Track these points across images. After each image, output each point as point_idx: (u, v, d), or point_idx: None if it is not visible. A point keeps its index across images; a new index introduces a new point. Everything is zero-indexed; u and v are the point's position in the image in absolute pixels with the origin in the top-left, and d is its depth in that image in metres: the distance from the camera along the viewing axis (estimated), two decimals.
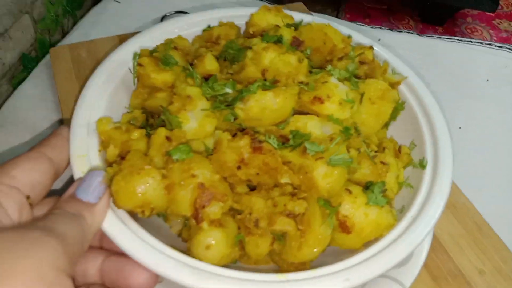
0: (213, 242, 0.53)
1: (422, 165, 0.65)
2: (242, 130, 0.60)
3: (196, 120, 0.60)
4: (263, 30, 0.75)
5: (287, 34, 0.70)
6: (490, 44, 1.23)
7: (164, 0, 1.22)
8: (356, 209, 0.56)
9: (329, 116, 0.60)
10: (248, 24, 0.78)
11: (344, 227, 0.56)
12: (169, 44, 0.74)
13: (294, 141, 0.58)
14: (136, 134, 0.61)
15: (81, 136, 0.62)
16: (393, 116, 0.72)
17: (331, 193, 0.56)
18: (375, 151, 0.66)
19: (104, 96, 0.68)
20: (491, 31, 1.51)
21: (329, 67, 0.66)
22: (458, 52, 1.19)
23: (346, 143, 0.60)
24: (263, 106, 0.58)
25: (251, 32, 0.76)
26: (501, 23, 1.54)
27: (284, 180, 0.56)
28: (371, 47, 0.71)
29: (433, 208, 0.59)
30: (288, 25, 0.73)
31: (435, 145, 0.66)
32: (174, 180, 0.54)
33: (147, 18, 1.16)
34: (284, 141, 0.59)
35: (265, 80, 0.63)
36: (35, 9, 1.06)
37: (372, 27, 1.23)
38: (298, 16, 0.80)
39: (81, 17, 1.23)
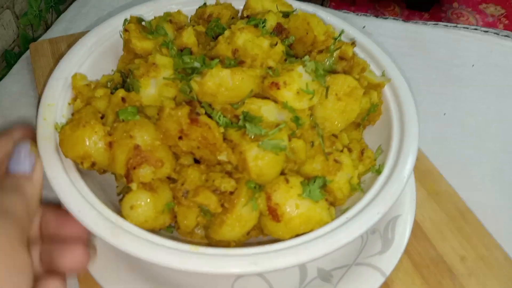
0: (138, 203, 0.55)
1: (378, 170, 0.63)
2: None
3: (155, 87, 0.62)
4: (257, 14, 0.75)
5: (271, 20, 0.70)
6: (475, 29, 1.20)
7: None
8: (288, 199, 0.55)
9: (284, 103, 0.59)
10: (244, 7, 0.78)
11: (274, 214, 0.55)
12: (165, 16, 0.77)
13: (242, 122, 0.58)
14: (100, 92, 0.64)
15: (55, 87, 0.66)
16: (368, 118, 0.70)
17: (262, 177, 0.55)
18: (341, 150, 0.64)
19: (90, 56, 0.72)
20: (477, 15, 1.50)
21: (305, 57, 0.65)
22: (444, 38, 1.17)
23: (295, 132, 0.59)
24: (218, 82, 0.59)
25: (245, 15, 0.77)
26: (487, 7, 1.53)
27: (221, 157, 0.56)
28: (352, 43, 0.69)
29: (370, 214, 0.56)
30: (280, 12, 0.73)
31: (398, 152, 0.64)
32: (115, 138, 0.57)
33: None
34: (234, 121, 0.59)
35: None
36: (17, 4, 1.05)
37: (357, 14, 1.20)
38: (295, 4, 0.79)
39: (64, 11, 1.22)
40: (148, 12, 0.79)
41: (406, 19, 1.26)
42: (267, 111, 0.58)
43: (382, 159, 0.66)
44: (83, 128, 0.57)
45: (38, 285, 0.50)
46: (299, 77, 0.60)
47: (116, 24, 0.76)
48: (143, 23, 0.73)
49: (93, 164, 0.58)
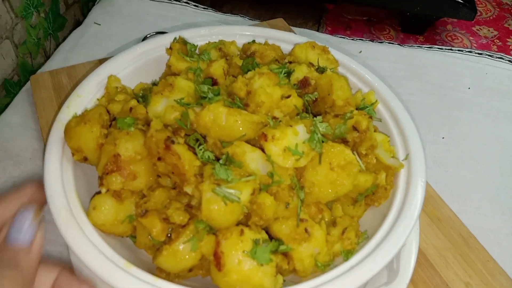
0: (101, 205, 0.58)
1: (346, 256, 0.60)
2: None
3: (164, 105, 0.65)
4: (303, 61, 0.75)
5: (299, 72, 0.69)
6: (470, 52, 1.22)
7: (144, 20, 1.23)
8: (234, 251, 0.53)
9: (267, 156, 0.58)
10: (289, 52, 0.78)
11: (217, 261, 0.53)
12: (217, 44, 0.80)
13: (223, 161, 0.58)
14: (120, 97, 0.70)
15: (90, 83, 0.73)
16: (372, 197, 0.66)
17: (213, 222, 0.54)
18: (319, 222, 0.61)
19: (134, 64, 0.79)
20: (471, 38, 1.47)
21: (318, 118, 0.64)
22: (439, 61, 1.19)
23: (269, 187, 0.58)
24: (212, 118, 0.60)
25: (287, 61, 0.76)
26: (481, 29, 1.52)
27: (187, 189, 0.57)
28: (370, 116, 0.66)
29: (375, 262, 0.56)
30: (318, 68, 0.73)
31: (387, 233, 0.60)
32: (105, 142, 0.61)
33: (128, 40, 1.15)
34: (217, 158, 0.60)
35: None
36: (16, 34, 1.04)
37: (353, 39, 1.22)
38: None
39: (64, 38, 1.21)
40: (204, 36, 0.84)
41: (402, 42, 1.31)
42: (251, 159, 0.58)
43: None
44: (83, 125, 0.62)
45: None
46: (294, 135, 0.58)
47: (168, 40, 0.80)
48: (188, 45, 0.78)
49: (85, 159, 0.63)
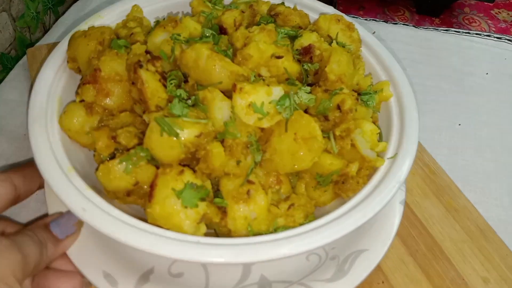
0: (70, 111, 0.62)
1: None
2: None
3: (162, 38, 0.66)
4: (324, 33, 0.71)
5: (305, 38, 0.66)
6: (488, 36, 1.17)
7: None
8: (165, 187, 0.53)
9: (232, 107, 0.56)
10: (314, 21, 0.75)
11: (150, 193, 0.54)
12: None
13: (191, 102, 0.58)
14: (132, 24, 0.71)
15: (117, 9, 0.76)
16: (339, 187, 0.61)
17: (153, 151, 0.55)
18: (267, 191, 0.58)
19: (161, 2, 0.81)
20: (489, 21, 1.34)
21: (305, 87, 0.60)
22: (455, 45, 1.14)
23: (223, 138, 0.57)
24: (194, 57, 0.60)
25: (308, 29, 0.72)
26: (500, 13, 1.39)
27: (145, 117, 0.57)
28: (356, 98, 0.61)
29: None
30: (329, 38, 0.69)
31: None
32: (95, 57, 0.64)
33: None
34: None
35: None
36: (13, 6, 0.99)
37: (366, 20, 1.16)
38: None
39: (63, 13, 1.16)
40: None
41: (417, 24, 1.21)
42: (218, 107, 0.56)
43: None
44: (83, 38, 0.66)
45: None
46: (266, 94, 0.56)
47: None
48: None
49: (78, 69, 0.67)
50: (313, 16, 0.78)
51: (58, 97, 0.64)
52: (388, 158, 0.61)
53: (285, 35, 0.64)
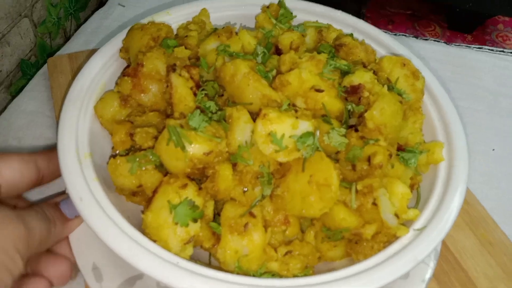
0: (107, 99, 0.63)
1: None
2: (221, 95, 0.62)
3: (213, 46, 0.66)
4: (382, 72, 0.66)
5: (357, 76, 0.60)
6: None
7: (172, 3, 0.99)
8: (164, 197, 0.52)
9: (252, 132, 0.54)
10: (377, 61, 0.69)
11: (150, 198, 0.54)
12: (322, 25, 0.75)
13: (217, 116, 0.57)
14: (193, 26, 0.71)
15: (186, 9, 0.77)
16: (350, 246, 0.56)
17: (161, 157, 0.55)
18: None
19: (227, 11, 0.80)
20: None
21: (339, 129, 0.56)
22: (489, 63, 1.07)
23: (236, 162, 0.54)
24: (232, 72, 0.58)
25: (370, 67, 0.67)
26: None
27: (166, 121, 0.55)
28: (389, 155, 0.54)
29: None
30: (388, 87, 0.62)
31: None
32: (143, 51, 0.64)
33: None
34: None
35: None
36: (35, 12, 0.95)
37: (395, 35, 1.10)
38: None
39: (85, 19, 1.11)
40: (313, 13, 0.79)
41: (448, 41, 1.16)
42: (241, 128, 0.53)
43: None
44: (139, 31, 0.67)
45: (24, 283, 0.54)
46: (291, 127, 0.52)
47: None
48: (282, 10, 0.75)
49: (129, 59, 0.68)
50: (385, 54, 0.72)
51: (102, 83, 0.66)
52: (414, 229, 0.54)
53: (334, 69, 0.59)
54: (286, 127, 0.52)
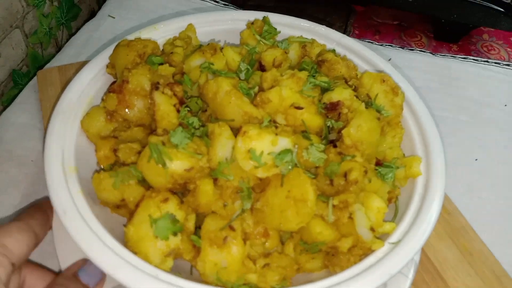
0: (92, 115, 0.65)
1: None
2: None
3: (198, 63, 0.67)
4: (361, 89, 0.68)
5: (336, 93, 0.61)
6: (508, 65, 1.12)
7: (162, 17, 1.12)
8: (145, 211, 0.54)
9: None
10: (360, 77, 0.70)
11: (132, 212, 0.55)
12: (306, 40, 0.76)
13: (199, 132, 0.58)
14: (179, 42, 0.73)
15: (172, 24, 0.78)
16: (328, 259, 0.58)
17: (143, 173, 0.56)
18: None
19: (214, 26, 0.82)
20: (508, 49, 1.28)
21: (317, 145, 0.57)
22: (473, 73, 1.09)
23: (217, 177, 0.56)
24: (214, 90, 0.60)
25: (352, 83, 0.68)
26: None
27: (149, 137, 0.57)
28: (365, 172, 0.56)
29: None
30: (367, 103, 0.65)
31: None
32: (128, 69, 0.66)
33: None
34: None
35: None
36: (26, 23, 0.96)
37: (382, 45, 1.12)
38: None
39: (77, 29, 1.12)
40: (298, 29, 0.81)
41: (434, 51, 1.17)
42: (222, 144, 0.55)
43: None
44: (125, 48, 0.68)
45: None
46: (270, 143, 0.53)
47: (255, 16, 0.81)
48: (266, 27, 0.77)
49: (115, 76, 0.69)
50: (368, 69, 0.74)
51: (89, 97, 0.67)
52: (389, 243, 0.55)
53: (314, 86, 0.61)
54: (265, 144, 0.54)
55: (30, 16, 0.98)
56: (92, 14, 1.21)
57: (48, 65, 0.98)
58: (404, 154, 0.66)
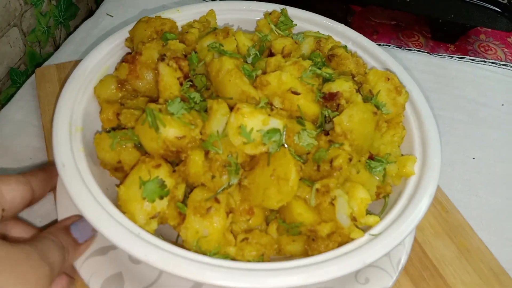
0: (105, 81, 0.68)
1: None
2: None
3: (205, 45, 0.69)
4: (365, 85, 0.69)
5: (337, 84, 0.62)
6: (504, 65, 1.14)
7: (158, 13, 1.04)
8: (137, 173, 0.57)
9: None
10: (366, 75, 0.71)
11: (125, 175, 0.58)
12: (321, 36, 0.78)
13: (197, 105, 0.61)
14: (197, 25, 0.76)
15: (195, 8, 0.82)
16: (294, 232, 0.58)
17: (139, 137, 0.59)
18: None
19: (232, 13, 0.85)
20: (505, 49, 1.28)
21: (309, 131, 0.59)
22: (471, 73, 1.11)
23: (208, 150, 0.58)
24: (217, 68, 0.62)
25: (358, 79, 0.69)
26: None
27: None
28: (349, 159, 0.57)
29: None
30: (366, 97, 0.65)
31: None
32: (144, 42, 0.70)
33: None
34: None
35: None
36: (25, 21, 0.97)
37: (380, 45, 1.07)
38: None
39: (75, 28, 1.13)
40: (315, 23, 0.83)
41: (431, 51, 1.19)
42: (217, 119, 0.57)
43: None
44: (144, 23, 0.73)
45: None
46: (261, 122, 0.55)
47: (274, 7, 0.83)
48: (282, 17, 0.80)
49: (132, 48, 0.73)
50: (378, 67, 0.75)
51: (105, 67, 0.71)
52: (370, 234, 0.56)
53: (314, 75, 0.63)
54: (256, 122, 0.55)
55: (28, 14, 0.99)
56: (90, 13, 1.22)
57: (46, 63, 0.99)
58: (401, 153, 0.67)
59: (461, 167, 0.91)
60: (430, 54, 1.15)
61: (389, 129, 0.66)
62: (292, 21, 0.78)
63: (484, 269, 0.72)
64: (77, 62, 0.86)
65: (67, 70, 0.91)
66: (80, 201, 0.54)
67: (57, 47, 1.12)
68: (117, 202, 0.57)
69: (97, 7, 1.19)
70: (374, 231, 0.56)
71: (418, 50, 1.15)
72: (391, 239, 0.55)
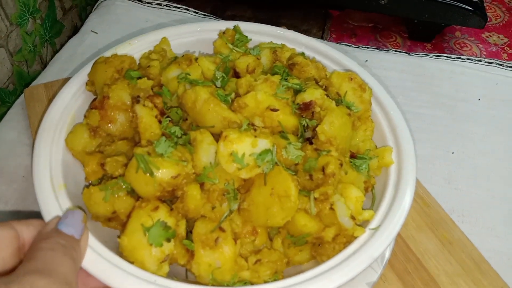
0: (76, 132, 0.67)
1: None
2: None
3: (175, 75, 0.70)
4: (331, 88, 0.71)
5: (308, 94, 0.65)
6: (480, 61, 1.17)
7: (143, 29, 1.14)
8: (137, 220, 0.56)
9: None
10: (329, 77, 0.74)
11: (124, 223, 0.58)
12: (276, 46, 0.80)
13: (182, 140, 0.61)
14: (155, 56, 0.75)
15: (146, 38, 0.81)
16: (301, 243, 0.61)
17: (131, 184, 0.59)
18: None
19: (187, 37, 0.85)
20: (480, 45, 1.40)
21: (295, 143, 0.61)
22: (448, 71, 1.14)
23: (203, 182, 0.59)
24: (193, 99, 0.63)
25: (322, 83, 0.72)
26: (490, 36, 1.48)
27: (135, 149, 0.58)
28: (340, 164, 0.60)
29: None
30: (338, 100, 0.68)
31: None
32: (108, 84, 0.68)
33: None
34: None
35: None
36: (11, 42, 0.98)
37: (358, 47, 1.17)
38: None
39: (61, 45, 1.14)
40: (270, 35, 0.85)
41: (409, 50, 1.21)
42: (205, 150, 0.58)
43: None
44: (103, 64, 0.71)
45: None
46: (250, 145, 0.57)
47: (225, 25, 0.84)
48: (237, 35, 0.81)
49: (95, 93, 0.71)
50: (336, 69, 0.78)
51: (71, 114, 0.69)
52: (370, 229, 0.59)
53: (287, 89, 0.65)
54: (246, 146, 0.57)
55: (14, 34, 1.00)
56: (75, 30, 1.22)
57: (34, 82, 1.00)
58: (376, 146, 0.71)
59: (442, 162, 0.93)
60: (408, 53, 1.18)
61: (361, 125, 0.70)
62: (247, 37, 0.80)
63: (466, 259, 0.74)
64: (65, 80, 0.89)
65: (55, 88, 0.91)
66: (86, 262, 0.53)
67: (44, 65, 1.12)
68: (120, 253, 0.56)
69: (82, 24, 1.20)
70: (372, 225, 0.60)
71: (396, 51, 1.18)
72: (390, 230, 0.59)
